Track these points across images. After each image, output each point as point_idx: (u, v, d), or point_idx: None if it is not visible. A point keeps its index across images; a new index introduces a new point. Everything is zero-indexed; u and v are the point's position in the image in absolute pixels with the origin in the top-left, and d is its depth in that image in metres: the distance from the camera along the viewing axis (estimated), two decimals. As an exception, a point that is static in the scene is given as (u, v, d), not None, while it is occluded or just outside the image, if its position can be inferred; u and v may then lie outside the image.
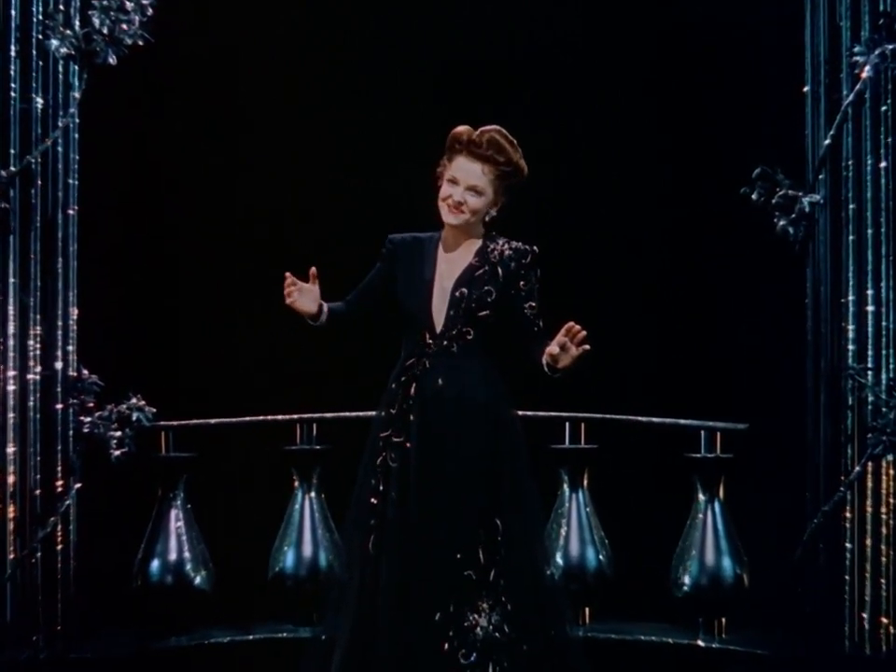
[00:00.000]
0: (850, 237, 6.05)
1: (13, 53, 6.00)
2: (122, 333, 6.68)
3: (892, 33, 5.89)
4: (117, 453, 6.21)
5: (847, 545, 6.01)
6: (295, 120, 6.90)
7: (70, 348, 6.19)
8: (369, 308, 5.05)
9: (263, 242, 6.88)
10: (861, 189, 6.03)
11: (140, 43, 6.15)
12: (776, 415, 6.45)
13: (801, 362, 6.19)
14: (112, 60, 6.12)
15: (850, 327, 6.04)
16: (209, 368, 6.85)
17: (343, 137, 6.86)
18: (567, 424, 6.53)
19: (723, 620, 6.38)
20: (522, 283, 4.90)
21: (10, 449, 5.97)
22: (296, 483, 6.56)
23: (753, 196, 6.13)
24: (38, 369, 6.08)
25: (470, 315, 4.86)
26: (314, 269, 4.88)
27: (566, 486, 6.54)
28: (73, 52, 6.10)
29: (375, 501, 4.85)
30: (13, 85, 5.99)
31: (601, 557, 6.47)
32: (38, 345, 6.08)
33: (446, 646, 4.71)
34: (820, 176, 6.11)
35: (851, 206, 6.04)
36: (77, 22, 6.12)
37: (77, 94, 6.15)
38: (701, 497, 6.44)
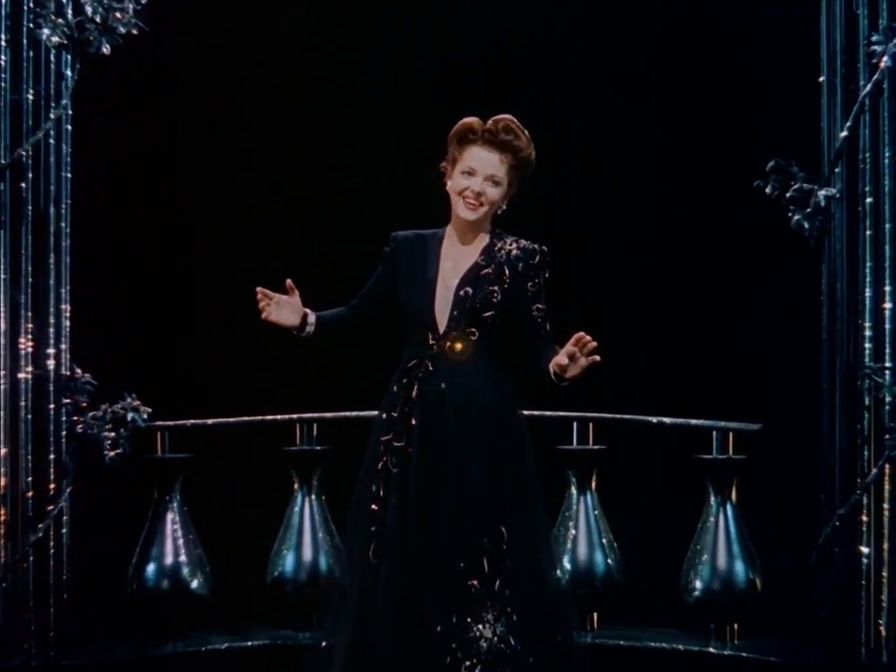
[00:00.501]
0: (867, 232, 5.96)
1: (3, 43, 5.92)
2: (117, 331, 6.66)
3: (912, 21, 5.86)
4: (111, 454, 6.18)
5: (864, 549, 5.95)
6: (294, 118, 6.92)
7: (63, 346, 6.15)
8: (374, 312, 5.02)
9: (261, 237, 6.90)
10: (878, 182, 5.93)
11: (134, 32, 6.10)
12: (790, 416, 6.43)
13: (816, 361, 6.14)
14: (105, 49, 6.07)
15: (867, 324, 5.96)
16: (206, 366, 6.85)
17: (343, 137, 6.90)
18: (575, 424, 6.52)
19: (735, 626, 6.36)
20: (530, 284, 4.85)
21: (1, 451, 5.92)
22: (296, 485, 6.54)
23: (767, 190, 6.08)
24: (30, 368, 6.03)
25: (475, 316, 4.81)
26: (289, 280, 4.87)
27: (573, 488, 6.54)
28: (65, 42, 6.04)
29: (376, 507, 4.80)
30: (3, 76, 5.92)
31: (609, 561, 6.46)
32: (30, 343, 6.03)
33: (449, 658, 4.65)
34: (836, 169, 6.04)
35: (868, 200, 5.95)
36: (70, 11, 6.06)
37: (69, 85, 6.10)
38: (713, 499, 6.42)
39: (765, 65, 6.61)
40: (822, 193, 6.02)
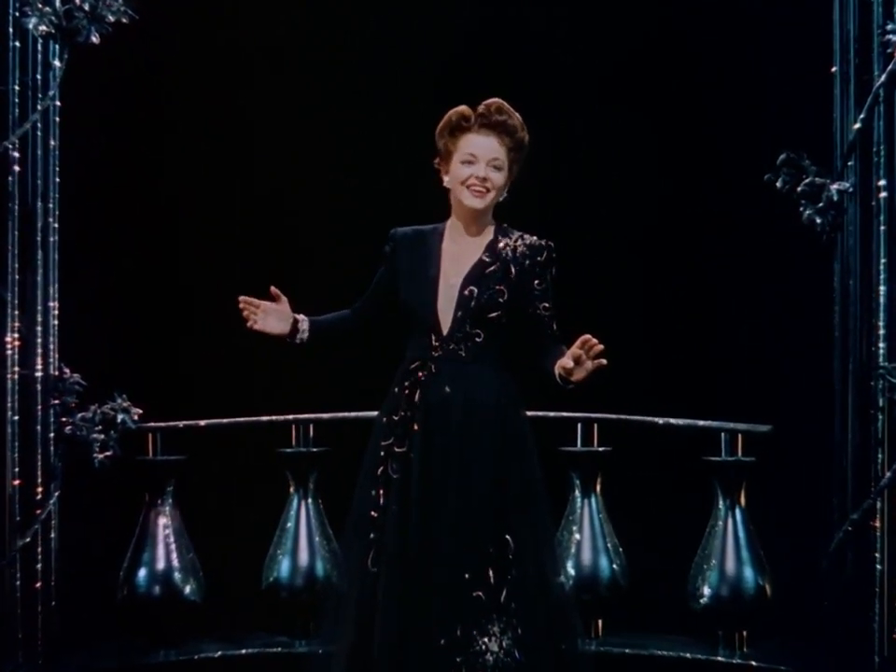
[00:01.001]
0: (881, 227, 5.90)
1: (-11, 32, 5.98)
2: (106, 330, 6.63)
3: (929, 9, 5.83)
4: (100, 456, 6.16)
5: (877, 555, 5.88)
6: (295, 119, 6.93)
7: (51, 346, 6.12)
8: (377, 315, 4.93)
9: (257, 235, 6.90)
10: (892, 175, 5.88)
11: (124, 20, 6.07)
12: (801, 417, 6.40)
13: (828, 361, 6.10)
14: (94, 38, 6.05)
15: (881, 323, 5.90)
16: (199, 366, 6.84)
17: (343, 137, 6.93)
18: (579, 425, 6.50)
19: (744, 633, 6.32)
20: (536, 282, 4.77)
21: (-12, 453, 5.95)
22: (291, 488, 6.51)
23: (778, 184, 6.02)
24: (17, 368, 6.00)
25: (480, 317, 4.71)
26: (273, 287, 4.80)
27: (577, 491, 6.51)
28: (52, 30, 6.02)
29: (375, 514, 4.71)
30: (-11, 66, 5.99)
31: (615, 566, 6.43)
32: (17, 343, 6.00)
33: (453, 672, 4.60)
34: (850, 163, 5.99)
35: (882, 195, 5.89)
36: (57, -1, 6.10)
37: (57, 75, 6.08)
38: (721, 502, 6.38)
39: (769, 60, 6.63)
40: (835, 187, 5.97)
